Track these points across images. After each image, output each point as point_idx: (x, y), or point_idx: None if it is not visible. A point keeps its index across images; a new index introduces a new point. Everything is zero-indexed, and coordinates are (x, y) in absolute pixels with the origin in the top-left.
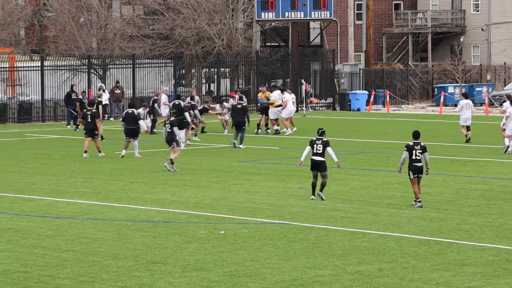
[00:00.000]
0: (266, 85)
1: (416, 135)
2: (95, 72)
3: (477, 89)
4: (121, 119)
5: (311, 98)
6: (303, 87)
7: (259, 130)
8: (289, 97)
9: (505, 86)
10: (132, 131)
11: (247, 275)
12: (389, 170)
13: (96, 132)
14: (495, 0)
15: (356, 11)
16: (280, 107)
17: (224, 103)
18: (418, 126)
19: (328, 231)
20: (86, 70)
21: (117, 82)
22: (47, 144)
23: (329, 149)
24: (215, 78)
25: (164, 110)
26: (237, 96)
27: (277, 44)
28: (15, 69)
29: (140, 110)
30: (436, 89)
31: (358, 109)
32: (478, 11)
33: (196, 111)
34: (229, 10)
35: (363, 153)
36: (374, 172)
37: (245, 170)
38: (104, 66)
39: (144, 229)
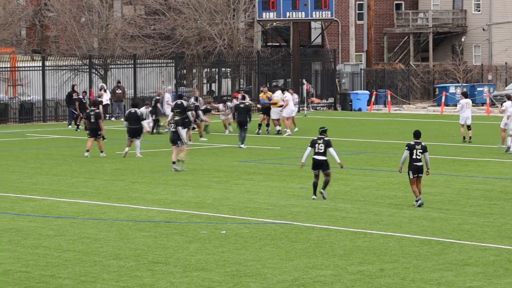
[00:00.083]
0: (267, 85)
1: (417, 134)
2: (96, 72)
3: (478, 89)
4: (123, 119)
5: (312, 98)
6: (304, 87)
7: (260, 130)
8: (291, 97)
9: (506, 86)
10: (134, 131)
11: (248, 275)
12: (390, 170)
13: (99, 132)
14: (496, 0)
15: (357, 11)
16: (282, 107)
17: (228, 103)
18: (419, 126)
19: (330, 231)
20: (88, 70)
21: (119, 82)
22: (48, 144)
23: (331, 150)
24: (216, 78)
25: (168, 109)
26: (240, 96)
27: (278, 44)
28: (16, 69)
29: (143, 109)
30: (437, 89)
31: (359, 109)
32: (479, 11)
33: (199, 112)
34: (230, 10)
35: (364, 153)
36: (376, 172)
37: (246, 170)
38: (105, 66)
39: (146, 229)
